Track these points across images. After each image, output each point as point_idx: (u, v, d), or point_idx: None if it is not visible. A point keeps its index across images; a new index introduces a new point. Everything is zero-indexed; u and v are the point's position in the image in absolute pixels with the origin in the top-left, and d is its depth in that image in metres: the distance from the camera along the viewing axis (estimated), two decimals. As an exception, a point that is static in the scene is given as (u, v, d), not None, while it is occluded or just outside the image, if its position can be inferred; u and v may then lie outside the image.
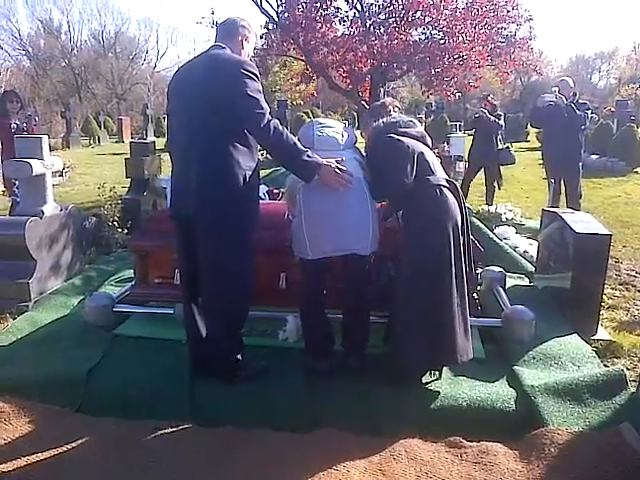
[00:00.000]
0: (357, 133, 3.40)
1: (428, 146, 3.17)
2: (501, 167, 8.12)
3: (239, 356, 3.05)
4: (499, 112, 8.23)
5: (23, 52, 41.00)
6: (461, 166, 10.51)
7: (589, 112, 6.91)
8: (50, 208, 4.83)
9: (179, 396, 2.97)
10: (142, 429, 2.78)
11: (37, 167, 4.60)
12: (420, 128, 3.20)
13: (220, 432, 2.77)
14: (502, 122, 8.05)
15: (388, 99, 3.50)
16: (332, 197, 2.89)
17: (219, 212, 2.80)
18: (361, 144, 3.12)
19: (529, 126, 16.88)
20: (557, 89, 6.74)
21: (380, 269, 3.13)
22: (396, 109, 3.31)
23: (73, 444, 2.65)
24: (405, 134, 3.07)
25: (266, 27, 11.34)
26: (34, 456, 2.55)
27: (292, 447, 2.66)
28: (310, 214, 2.95)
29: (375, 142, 3.11)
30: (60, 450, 2.61)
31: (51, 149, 6.04)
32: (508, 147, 8.41)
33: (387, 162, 2.99)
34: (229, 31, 3.01)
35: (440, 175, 3.04)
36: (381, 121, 3.15)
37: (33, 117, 6.88)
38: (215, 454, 2.61)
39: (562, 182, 6.86)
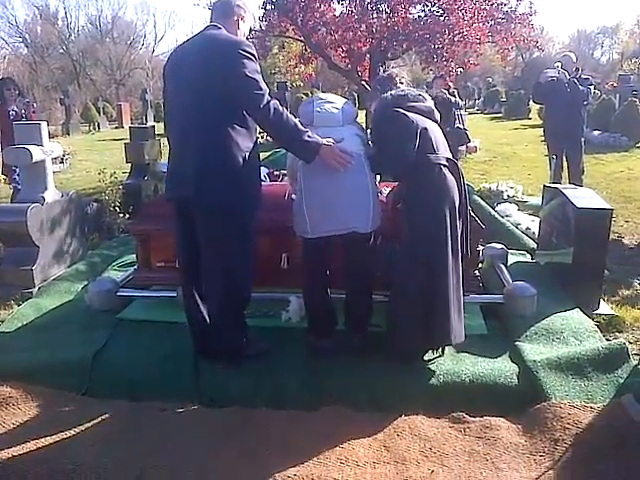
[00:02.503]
0: (361, 113, 3.38)
1: (436, 122, 3.13)
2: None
3: (242, 337, 3.06)
4: (453, 90, 8.12)
5: (20, 39, 40.77)
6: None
7: (592, 87, 6.85)
8: (51, 194, 4.83)
9: (184, 377, 3.00)
10: (148, 411, 2.81)
11: (37, 153, 4.58)
12: (429, 103, 3.13)
13: (225, 412, 2.80)
14: (458, 100, 7.87)
15: (395, 70, 3.43)
16: (332, 176, 2.89)
17: (218, 194, 2.78)
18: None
19: (531, 102, 16.74)
20: (560, 64, 6.68)
21: (384, 248, 3.13)
22: (403, 81, 3.24)
23: (81, 427, 2.68)
24: (412, 108, 3.03)
25: (264, 7, 11.22)
26: (44, 439, 2.58)
27: (296, 425, 2.68)
28: (310, 193, 2.96)
29: (381, 115, 3.07)
30: (69, 433, 2.64)
31: (51, 136, 6.04)
32: (465, 129, 8.09)
33: (390, 137, 2.98)
34: (224, 11, 2.97)
35: (442, 153, 3.02)
36: (389, 93, 3.09)
37: (31, 104, 6.86)
38: (220, 434, 2.63)
39: (564, 158, 6.83)
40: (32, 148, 4.54)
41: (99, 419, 2.75)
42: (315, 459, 2.44)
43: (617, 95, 16.04)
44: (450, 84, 8.34)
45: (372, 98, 3.33)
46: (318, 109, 3.04)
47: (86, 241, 5.40)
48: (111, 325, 3.58)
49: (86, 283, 4.34)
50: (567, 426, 2.60)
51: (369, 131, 3.18)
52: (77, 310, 3.85)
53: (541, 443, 2.55)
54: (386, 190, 3.38)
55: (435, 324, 2.95)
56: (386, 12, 10.03)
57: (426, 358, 3.09)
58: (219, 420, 2.73)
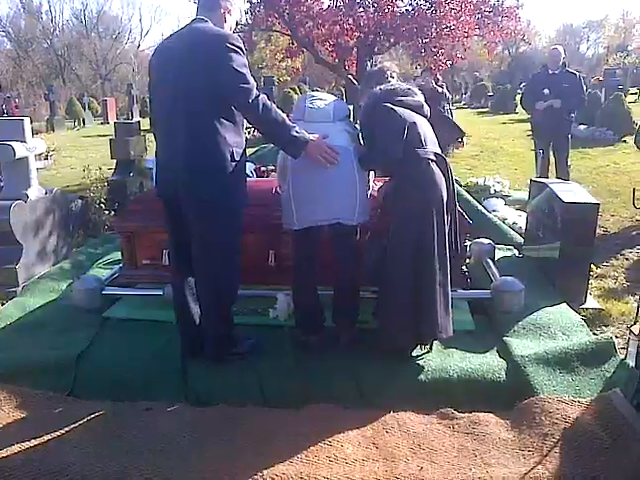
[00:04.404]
0: (350, 107, 3.36)
1: (425, 116, 3.13)
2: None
3: (230, 332, 3.05)
4: (441, 83, 8.09)
5: (3, 34, 40.33)
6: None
7: (583, 82, 6.84)
8: (35, 191, 4.77)
9: (170, 376, 2.97)
10: (133, 410, 2.78)
11: (20, 150, 4.52)
12: (419, 97, 3.13)
13: (211, 410, 2.78)
14: (446, 91, 7.82)
15: (387, 63, 3.40)
16: (319, 168, 2.88)
17: (207, 191, 2.77)
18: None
19: (517, 97, 16.79)
20: (548, 90, 6.60)
21: (372, 243, 3.13)
22: (394, 74, 3.23)
23: (66, 428, 2.65)
24: (401, 103, 3.02)
25: (250, 1, 11.16)
26: (29, 441, 2.54)
27: (284, 423, 2.67)
28: (297, 185, 2.96)
29: (370, 110, 3.05)
30: (54, 434, 2.60)
31: (35, 132, 5.96)
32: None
33: (379, 132, 2.97)
34: (211, 3, 2.92)
35: (430, 148, 3.01)
36: (379, 88, 3.08)
37: (13, 99, 6.78)
38: (206, 432, 2.61)
39: (551, 153, 6.85)
40: (15, 144, 4.48)
41: (84, 419, 2.71)
42: (303, 457, 2.43)
43: (603, 89, 16.15)
44: (439, 77, 8.31)
45: (362, 92, 3.32)
46: (310, 105, 3.05)
47: (71, 239, 5.34)
48: (96, 324, 3.54)
49: (71, 281, 4.28)
50: (555, 421, 2.61)
51: (358, 126, 3.16)
52: (62, 309, 3.80)
53: (530, 438, 2.55)
54: (378, 185, 3.36)
55: (422, 319, 2.94)
56: (373, 6, 10.00)
57: (414, 354, 3.09)
58: (205, 419, 2.71)
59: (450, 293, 3.04)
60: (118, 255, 4.38)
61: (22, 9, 41.23)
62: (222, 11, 2.93)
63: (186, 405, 2.83)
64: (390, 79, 3.18)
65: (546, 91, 6.51)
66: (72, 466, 2.37)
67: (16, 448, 2.49)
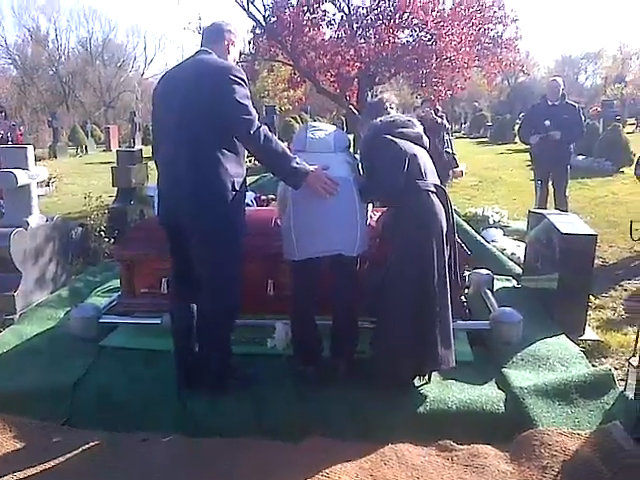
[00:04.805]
0: (350, 137, 3.39)
1: (424, 147, 3.16)
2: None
3: (228, 361, 3.04)
4: (441, 113, 8.16)
5: (10, 61, 40.83)
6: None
7: (582, 113, 6.92)
8: (35, 219, 4.79)
9: (167, 406, 2.95)
10: (129, 441, 2.77)
11: (22, 177, 4.55)
12: (418, 128, 3.16)
13: (210, 442, 2.76)
14: (445, 122, 7.87)
15: (385, 95, 3.45)
16: (320, 199, 2.89)
17: (208, 220, 2.79)
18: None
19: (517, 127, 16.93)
20: (549, 122, 6.68)
21: (372, 274, 3.13)
22: (393, 105, 3.27)
23: (61, 458, 2.63)
24: (401, 135, 3.05)
25: (253, 31, 11.34)
26: (23, 471, 2.52)
27: (282, 454, 2.65)
28: (298, 216, 2.97)
29: (371, 142, 3.09)
30: (48, 464, 2.58)
31: (38, 159, 6.01)
32: (453, 153, 8.00)
33: (379, 164, 2.99)
34: (215, 35, 3.00)
35: (430, 179, 3.04)
36: (379, 120, 3.11)
37: (17, 127, 6.85)
38: (205, 464, 2.59)
39: (550, 183, 6.88)
40: (17, 172, 4.51)
41: (79, 450, 2.69)
42: (300, 489, 2.40)
43: (601, 120, 16.30)
44: (439, 107, 8.40)
45: (362, 124, 3.36)
46: (311, 135, 3.09)
47: (70, 266, 5.34)
48: (93, 352, 3.52)
49: (69, 309, 4.28)
50: (555, 453, 2.59)
51: (358, 156, 3.19)
52: (59, 337, 3.77)
53: (529, 470, 2.53)
54: (376, 215, 3.38)
55: (424, 351, 2.93)
56: (374, 37, 10.16)
57: (412, 385, 3.07)
58: (201, 450, 2.69)
59: (451, 324, 3.04)
60: (117, 283, 4.38)
61: (30, 37, 41.87)
62: (226, 43, 3.00)
63: (183, 436, 2.81)
64: (390, 110, 3.23)
65: (547, 122, 6.57)
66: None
67: (9, 478, 2.46)
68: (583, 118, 6.94)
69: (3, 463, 2.60)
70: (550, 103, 6.77)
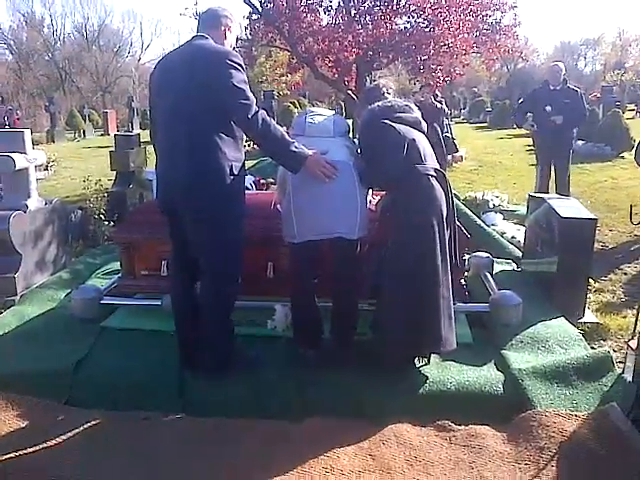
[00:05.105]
0: (349, 122, 3.38)
1: (423, 132, 3.14)
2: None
3: (230, 342, 3.05)
4: (440, 99, 8.14)
5: (5, 46, 40.53)
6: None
7: (583, 98, 6.89)
8: (34, 202, 4.79)
9: (168, 386, 2.97)
10: (131, 420, 2.78)
11: (20, 161, 4.55)
12: (416, 113, 3.14)
13: (210, 422, 2.77)
14: (444, 107, 7.83)
15: (382, 80, 3.43)
16: (320, 183, 2.89)
17: (208, 206, 2.79)
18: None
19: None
20: (550, 107, 6.68)
21: (371, 256, 3.13)
22: (390, 91, 3.25)
23: (63, 436, 2.65)
24: (399, 119, 3.03)
25: (249, 17, 11.25)
26: (24, 449, 2.54)
27: (281, 435, 2.67)
28: (298, 199, 2.96)
29: (368, 127, 3.07)
30: (50, 442, 2.60)
31: (36, 143, 5.99)
32: (453, 138, 8.01)
33: (378, 150, 2.98)
34: (211, 21, 2.98)
35: (430, 164, 3.03)
36: (376, 104, 3.09)
37: (14, 111, 6.81)
38: (205, 444, 2.61)
39: (551, 168, 6.88)
40: (15, 156, 4.50)
41: (80, 428, 2.71)
42: (299, 468, 2.43)
43: (601, 106, 16.27)
44: (437, 93, 8.36)
45: (360, 109, 3.34)
46: (310, 120, 3.08)
47: (70, 249, 5.35)
48: (94, 334, 3.53)
49: (69, 291, 4.29)
50: (552, 434, 2.60)
51: (357, 141, 3.18)
52: (60, 318, 3.79)
53: (526, 451, 2.55)
54: (376, 199, 3.38)
55: (425, 332, 2.94)
56: (371, 23, 10.08)
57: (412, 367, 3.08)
58: (201, 430, 2.71)
59: (452, 306, 3.05)
60: (117, 265, 4.38)
61: (24, 22, 41.51)
62: (223, 28, 2.98)
63: (183, 416, 2.83)
64: (387, 95, 3.21)
65: (548, 108, 6.55)
66: (67, 474, 2.37)
67: (11, 456, 2.49)
68: (585, 103, 6.91)
69: (6, 441, 2.62)
70: (552, 88, 6.75)
